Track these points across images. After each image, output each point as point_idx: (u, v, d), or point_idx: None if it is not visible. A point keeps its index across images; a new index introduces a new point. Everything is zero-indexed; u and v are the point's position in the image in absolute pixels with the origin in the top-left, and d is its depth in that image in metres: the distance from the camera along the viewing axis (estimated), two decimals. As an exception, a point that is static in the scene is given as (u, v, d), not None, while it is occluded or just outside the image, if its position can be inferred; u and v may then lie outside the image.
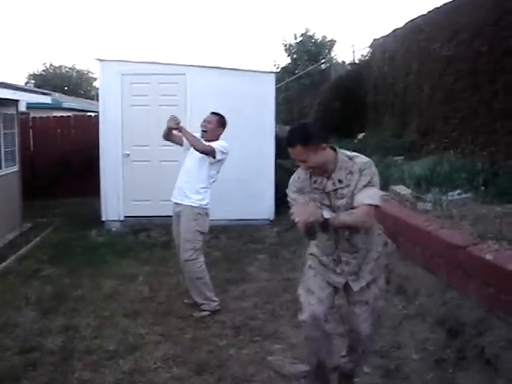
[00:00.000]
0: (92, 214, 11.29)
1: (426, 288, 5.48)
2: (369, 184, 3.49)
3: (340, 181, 3.58)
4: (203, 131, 6.24)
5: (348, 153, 3.66)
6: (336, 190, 3.59)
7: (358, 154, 3.65)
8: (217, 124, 6.28)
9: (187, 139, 6.11)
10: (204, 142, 6.12)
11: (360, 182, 3.50)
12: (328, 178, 3.62)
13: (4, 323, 5.94)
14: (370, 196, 3.47)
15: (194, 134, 6.15)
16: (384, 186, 7.90)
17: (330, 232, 3.64)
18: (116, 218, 10.80)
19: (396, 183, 8.10)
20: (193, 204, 6.10)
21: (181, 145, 6.47)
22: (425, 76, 11.55)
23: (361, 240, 3.73)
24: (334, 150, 3.63)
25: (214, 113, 6.35)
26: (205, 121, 6.28)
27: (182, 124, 6.20)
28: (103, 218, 10.92)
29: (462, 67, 9.92)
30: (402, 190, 7.58)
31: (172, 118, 6.10)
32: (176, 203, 6.24)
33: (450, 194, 7.27)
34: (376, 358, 4.67)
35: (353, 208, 3.52)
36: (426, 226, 5.90)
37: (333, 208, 3.58)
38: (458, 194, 7.28)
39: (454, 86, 10.15)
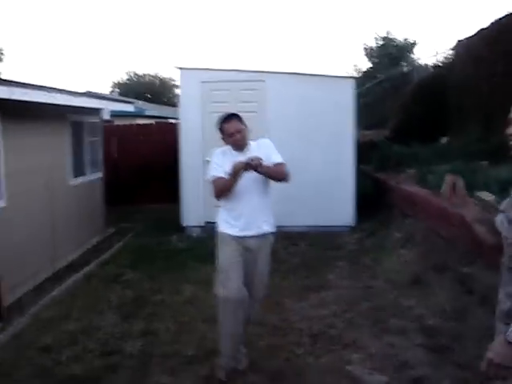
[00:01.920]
0: (173, 219, 11.42)
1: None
2: None
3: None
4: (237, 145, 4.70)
5: None
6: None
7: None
8: (245, 126, 4.72)
9: (269, 174, 4.61)
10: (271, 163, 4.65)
11: None
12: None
13: (87, 326, 6.07)
14: None
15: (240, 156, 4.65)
16: (468, 192, 7.65)
17: None
18: (196, 224, 10.89)
19: (480, 189, 7.81)
20: (273, 230, 4.85)
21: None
22: (510, 79, 11.13)
23: None
24: None
25: (232, 115, 4.75)
26: (233, 134, 4.62)
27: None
28: (184, 224, 11.05)
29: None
30: (485, 195, 7.30)
31: (250, 160, 4.37)
32: (247, 237, 4.69)
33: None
34: (458, 369, 4.50)
35: None
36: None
37: None
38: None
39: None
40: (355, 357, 5.05)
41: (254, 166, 4.33)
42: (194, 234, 10.74)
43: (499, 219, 2.45)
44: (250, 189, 4.61)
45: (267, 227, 4.77)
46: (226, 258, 4.73)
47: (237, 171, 4.39)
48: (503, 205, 2.49)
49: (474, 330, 5.05)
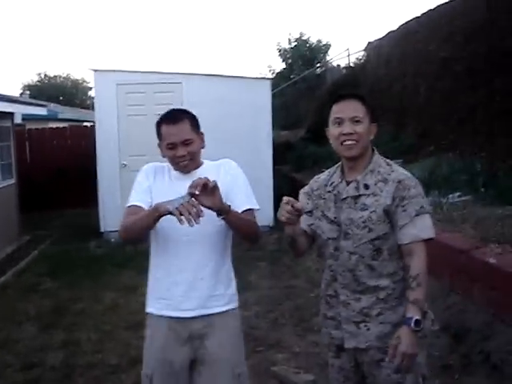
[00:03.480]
0: (90, 225, 11.23)
1: (429, 292, 5.41)
2: (421, 210, 2.61)
3: (366, 186, 2.69)
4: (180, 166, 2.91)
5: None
6: (358, 197, 2.70)
7: (393, 162, 2.82)
8: (198, 134, 2.92)
9: (234, 222, 2.77)
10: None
11: (408, 205, 2.60)
12: (349, 180, 2.75)
13: (4, 339, 5.89)
14: (426, 227, 2.63)
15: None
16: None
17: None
18: (115, 229, 10.66)
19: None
20: (234, 306, 3.00)
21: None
22: (421, 78, 11.53)
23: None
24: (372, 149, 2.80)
25: (179, 113, 2.92)
26: (174, 147, 2.81)
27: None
28: (102, 229, 10.86)
29: (458, 69, 9.90)
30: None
31: (197, 185, 2.53)
32: (188, 318, 2.86)
33: (449, 196, 7.23)
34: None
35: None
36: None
37: (338, 223, 2.72)
38: (458, 197, 7.24)
39: (451, 87, 10.12)
40: (280, 357, 5.12)
41: (203, 198, 2.49)
42: (113, 239, 10.55)
43: None
44: (194, 238, 2.75)
45: (221, 304, 2.88)
46: (152, 364, 2.95)
47: (163, 210, 2.50)
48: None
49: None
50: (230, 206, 2.62)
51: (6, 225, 10.65)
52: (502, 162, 8.04)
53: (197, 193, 2.43)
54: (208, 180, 2.47)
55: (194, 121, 2.90)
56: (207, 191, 2.47)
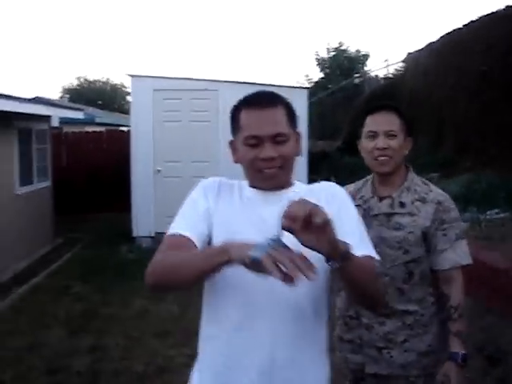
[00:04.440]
0: (123, 229, 11.22)
1: (464, 312, 5.25)
2: (460, 235, 2.52)
3: (402, 204, 2.52)
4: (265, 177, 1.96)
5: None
6: (392, 214, 2.52)
7: (430, 182, 2.66)
8: (294, 132, 1.96)
9: (351, 269, 1.65)
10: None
11: (448, 229, 2.48)
12: (382, 196, 2.59)
13: (32, 342, 5.87)
14: (465, 253, 2.52)
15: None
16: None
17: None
18: (147, 234, 10.71)
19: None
20: None
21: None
22: (461, 91, 11.33)
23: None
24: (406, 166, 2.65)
25: (270, 97, 1.93)
26: (260, 142, 1.85)
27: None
28: (134, 234, 10.86)
29: (499, 81, 9.69)
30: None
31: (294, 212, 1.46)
32: None
33: (487, 213, 7.06)
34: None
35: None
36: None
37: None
38: (496, 214, 7.07)
39: (491, 101, 9.91)
40: None
41: (306, 235, 1.47)
42: (144, 245, 10.56)
43: None
44: (277, 299, 1.79)
45: None
46: None
47: (240, 256, 1.49)
48: None
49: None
50: (349, 246, 1.58)
51: (41, 227, 10.72)
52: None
53: (297, 228, 1.43)
54: (313, 206, 1.42)
55: (290, 111, 1.93)
56: (312, 226, 1.42)
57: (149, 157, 10.78)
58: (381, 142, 2.51)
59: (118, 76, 73.29)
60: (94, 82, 53.00)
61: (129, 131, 12.00)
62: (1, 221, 8.68)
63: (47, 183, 11.45)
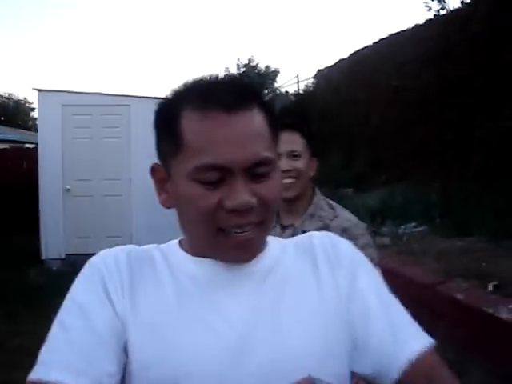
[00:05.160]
0: (31, 252, 10.68)
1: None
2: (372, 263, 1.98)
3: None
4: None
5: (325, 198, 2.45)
6: None
7: (338, 205, 2.43)
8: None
9: None
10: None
11: None
12: (285, 225, 2.35)
13: None
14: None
15: None
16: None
17: None
18: (57, 257, 10.24)
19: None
20: None
21: None
22: (372, 106, 11.53)
23: None
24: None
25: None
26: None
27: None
28: (43, 257, 10.35)
29: (410, 98, 9.90)
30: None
31: None
32: None
33: (404, 226, 7.13)
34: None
35: None
36: (387, 262, 5.68)
37: None
38: (414, 227, 7.14)
39: (403, 116, 10.11)
40: None
41: None
42: (54, 268, 10.09)
43: None
44: None
45: None
46: None
47: None
48: None
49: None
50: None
51: None
52: (455, 191, 7.99)
53: None
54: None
55: (271, 115, 1.17)
56: None
57: (58, 175, 10.33)
58: (284, 163, 2.24)
59: (21, 91, 71.16)
60: (-4, 97, 51.17)
61: (35, 148, 11.50)
62: None
63: None
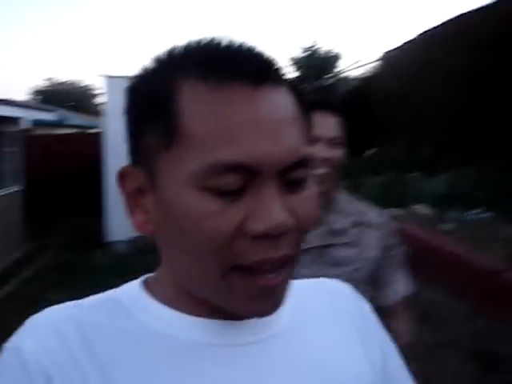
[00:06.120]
0: (97, 234, 10.97)
1: (454, 315, 5.15)
2: (402, 262, 2.06)
3: (339, 232, 1.95)
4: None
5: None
6: (326, 247, 1.93)
7: (356, 199, 2.13)
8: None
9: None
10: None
11: (393, 257, 2.01)
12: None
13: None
14: (408, 281, 2.06)
15: None
16: (403, 205, 7.61)
17: None
18: (121, 238, 10.47)
19: (414, 202, 7.80)
20: None
21: None
22: (439, 90, 11.28)
23: None
24: None
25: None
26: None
27: None
28: (108, 239, 10.63)
29: (479, 81, 9.65)
30: (420, 209, 7.29)
31: None
32: None
33: (470, 212, 7.00)
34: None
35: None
36: (452, 248, 5.60)
37: None
38: (479, 213, 7.00)
39: (472, 99, 9.87)
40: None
41: None
42: (119, 250, 10.33)
43: None
44: None
45: None
46: None
47: None
48: None
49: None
50: None
51: (12, 232, 10.42)
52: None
53: None
54: None
55: (300, 96, 1.04)
56: None
57: (122, 158, 10.44)
58: (322, 150, 1.88)
59: (87, 77, 72.60)
60: (64, 83, 52.37)
61: (100, 133, 11.74)
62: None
63: (19, 187, 11.15)
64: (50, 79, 52.15)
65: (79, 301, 0.83)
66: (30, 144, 14.52)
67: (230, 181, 0.67)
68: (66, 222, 13.70)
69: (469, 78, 9.95)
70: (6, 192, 10.37)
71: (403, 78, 13.47)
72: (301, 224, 0.72)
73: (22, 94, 77.60)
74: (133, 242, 10.29)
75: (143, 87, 0.75)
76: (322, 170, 1.84)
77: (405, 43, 14.08)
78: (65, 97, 48.60)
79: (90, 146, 14.69)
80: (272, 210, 0.67)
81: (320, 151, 1.86)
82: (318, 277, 1.56)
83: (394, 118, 13.58)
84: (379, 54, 16.83)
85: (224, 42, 0.73)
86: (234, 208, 0.68)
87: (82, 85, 53.22)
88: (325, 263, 1.88)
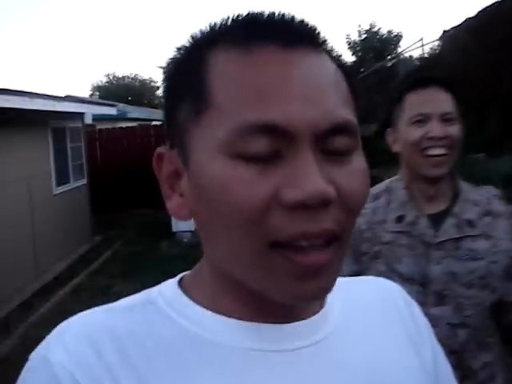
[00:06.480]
0: (162, 225, 11.06)
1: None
2: None
3: (470, 223, 1.74)
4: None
5: None
6: (460, 239, 1.72)
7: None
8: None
9: None
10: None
11: None
12: (432, 214, 1.76)
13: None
14: None
15: None
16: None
17: None
18: (187, 229, 10.52)
19: (481, 183, 7.54)
20: None
21: None
22: (503, 67, 10.89)
23: None
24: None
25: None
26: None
27: None
28: (173, 229, 10.70)
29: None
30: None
31: None
32: None
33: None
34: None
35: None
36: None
37: (422, 281, 1.71)
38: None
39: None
40: None
41: None
42: (185, 240, 10.39)
43: None
44: None
45: None
46: None
47: None
48: None
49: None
50: None
51: (79, 225, 10.61)
52: None
53: None
54: None
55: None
56: None
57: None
58: (436, 128, 1.68)
59: (145, 70, 73.58)
60: (123, 78, 53.16)
61: (162, 125, 11.82)
62: (40, 222, 8.55)
63: (83, 181, 11.34)
64: (110, 75, 53.04)
65: (112, 304, 0.75)
66: (94, 138, 14.79)
67: (260, 144, 0.61)
68: (131, 214, 13.89)
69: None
70: (72, 186, 10.55)
71: (465, 56, 13.09)
72: (345, 199, 0.63)
73: (84, 91, 79.31)
74: (197, 231, 10.31)
75: (175, 64, 0.71)
76: (436, 151, 1.67)
77: (465, 20, 13.67)
78: (125, 91, 49.35)
79: (152, 138, 14.84)
80: (308, 176, 0.60)
81: (433, 129, 1.68)
82: (452, 273, 1.59)
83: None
84: (440, 32, 16.41)
85: (258, 11, 0.68)
86: (267, 176, 0.61)
87: (141, 78, 53.91)
88: (459, 257, 1.70)
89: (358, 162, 0.66)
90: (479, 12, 12.88)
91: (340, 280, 0.70)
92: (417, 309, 0.88)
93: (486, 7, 12.50)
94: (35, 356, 0.67)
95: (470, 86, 12.53)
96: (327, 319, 0.74)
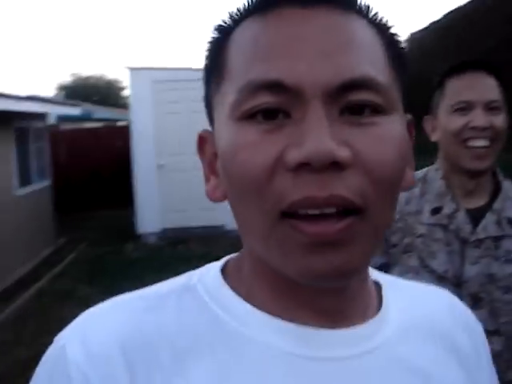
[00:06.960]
0: (127, 227, 10.96)
1: None
2: None
3: (511, 221, 1.64)
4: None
5: None
6: (500, 238, 1.63)
7: None
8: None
9: None
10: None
11: None
12: (472, 209, 1.66)
13: (40, 352, 5.57)
14: None
15: None
16: None
17: None
18: (152, 231, 10.43)
19: None
20: None
21: None
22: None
23: None
24: None
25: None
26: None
27: None
28: (139, 231, 10.58)
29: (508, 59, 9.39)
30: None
31: None
32: None
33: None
34: None
35: None
36: None
37: (456, 281, 1.61)
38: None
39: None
40: None
41: None
42: (150, 242, 10.29)
43: None
44: None
45: None
46: None
47: None
48: None
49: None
50: None
51: (43, 227, 10.42)
52: None
53: None
54: None
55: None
56: None
57: (150, 151, 10.49)
58: (479, 117, 1.56)
59: (112, 71, 72.98)
60: (89, 77, 52.68)
61: (127, 126, 11.72)
62: (1, 223, 8.38)
63: (47, 182, 11.16)
64: (75, 74, 52.54)
65: (147, 290, 0.71)
66: (57, 139, 14.58)
67: (264, 100, 0.57)
68: (96, 215, 13.73)
69: (494, 58, 9.70)
70: (35, 188, 10.37)
71: (432, 60, 13.24)
72: (367, 167, 0.56)
73: (48, 91, 78.41)
74: (162, 233, 10.26)
75: (208, 45, 0.68)
76: (479, 143, 1.57)
77: (432, 23, 13.84)
78: (91, 91, 48.93)
79: (118, 138, 14.70)
80: (314, 135, 0.54)
81: (476, 119, 1.57)
82: (490, 274, 1.50)
83: (426, 102, 13.36)
84: (405, 35, 16.58)
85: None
86: (273, 137, 0.57)
87: (107, 78, 53.51)
88: (497, 258, 1.60)
89: (389, 126, 0.58)
90: (445, 15, 13.05)
91: (401, 282, 0.69)
92: (480, 328, 0.79)
93: (450, 11, 12.66)
94: (56, 343, 0.66)
95: (433, 91, 12.69)
96: (383, 326, 0.67)
